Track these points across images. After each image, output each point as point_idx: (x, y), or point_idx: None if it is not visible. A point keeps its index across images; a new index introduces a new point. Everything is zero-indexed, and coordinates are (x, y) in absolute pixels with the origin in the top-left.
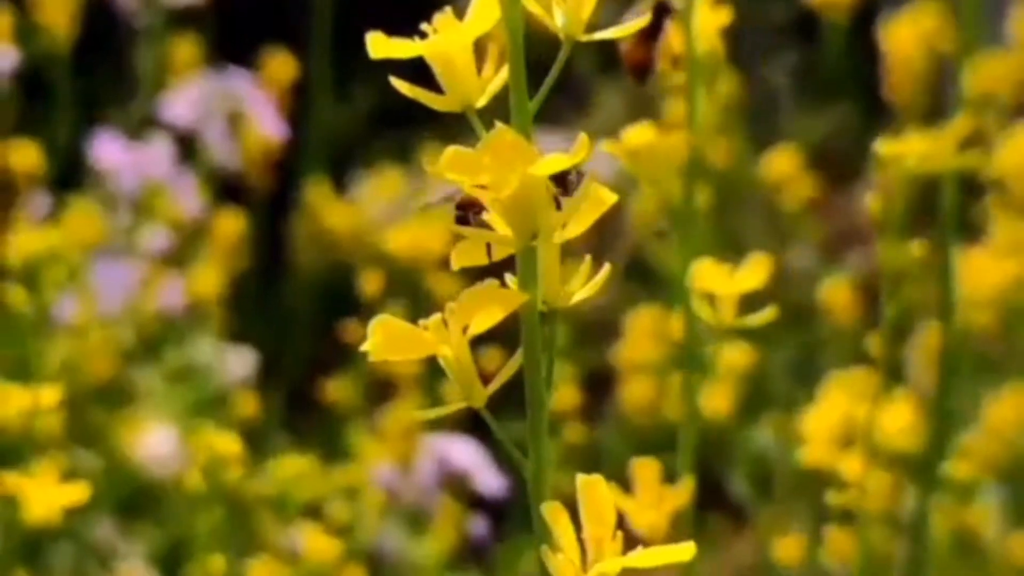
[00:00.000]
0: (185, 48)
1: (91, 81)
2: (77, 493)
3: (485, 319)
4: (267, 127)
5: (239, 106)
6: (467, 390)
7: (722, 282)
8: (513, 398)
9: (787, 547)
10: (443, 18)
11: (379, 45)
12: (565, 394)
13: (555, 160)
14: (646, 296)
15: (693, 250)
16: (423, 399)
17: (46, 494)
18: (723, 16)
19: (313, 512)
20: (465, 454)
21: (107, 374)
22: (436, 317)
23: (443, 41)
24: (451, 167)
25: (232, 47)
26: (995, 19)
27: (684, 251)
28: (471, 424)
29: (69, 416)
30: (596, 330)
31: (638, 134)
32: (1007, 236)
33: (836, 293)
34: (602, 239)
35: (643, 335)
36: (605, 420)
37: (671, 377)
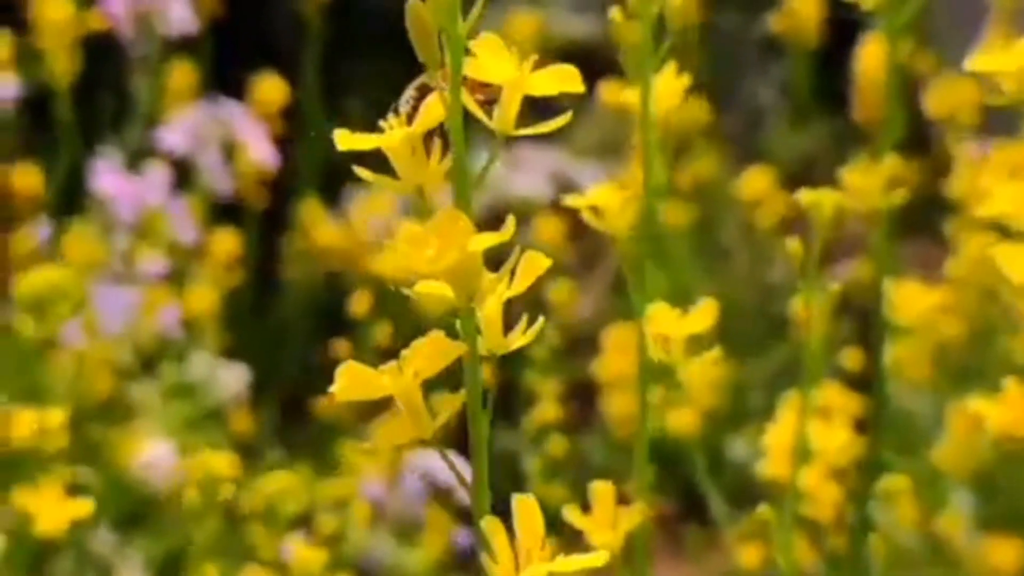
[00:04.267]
0: (181, 75)
1: (91, 108)
2: (81, 507)
3: (432, 366)
4: (259, 154)
5: (232, 134)
6: (417, 424)
7: (672, 325)
8: (506, 414)
9: (750, 554)
10: (394, 120)
11: (345, 140)
12: (548, 408)
13: (487, 237)
14: (629, 311)
15: (650, 295)
16: None
17: (53, 508)
18: (683, 82)
19: (304, 522)
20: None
21: (107, 392)
22: (392, 364)
23: (394, 137)
24: (404, 240)
25: (227, 71)
26: (970, 42)
27: (639, 295)
28: (461, 441)
29: (70, 432)
30: (583, 344)
31: (598, 193)
32: (969, 254)
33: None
34: (591, 255)
35: (621, 349)
36: (592, 431)
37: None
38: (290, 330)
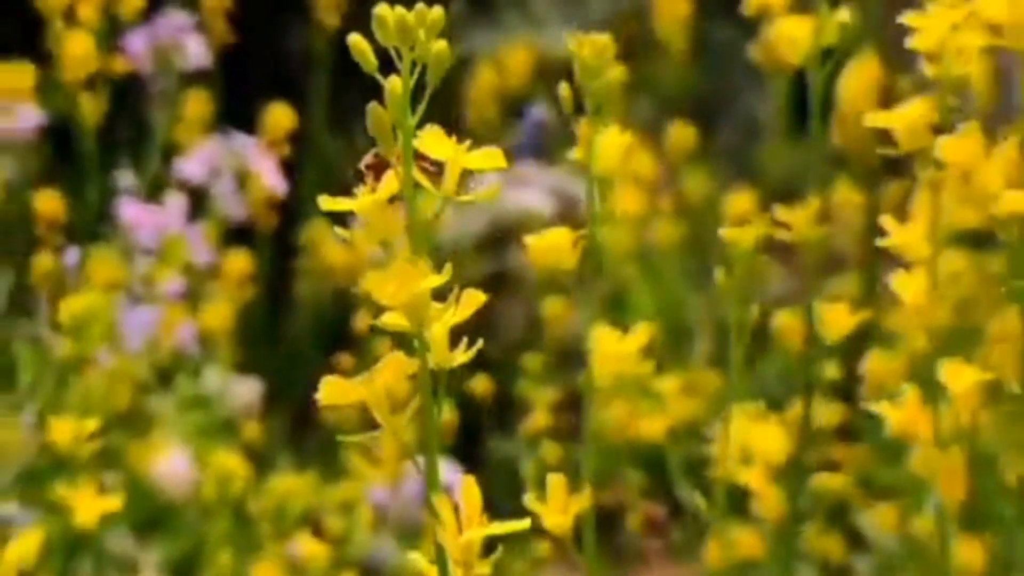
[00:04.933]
0: (196, 106)
1: (112, 138)
2: (111, 503)
3: (395, 377)
4: (270, 182)
5: (244, 164)
6: (388, 424)
7: (612, 344)
8: (503, 423)
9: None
10: (363, 190)
11: (328, 203)
12: (540, 416)
13: (433, 279)
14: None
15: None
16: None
17: (88, 504)
18: (627, 138)
19: (312, 524)
20: (447, 472)
21: (127, 403)
22: (366, 375)
23: (363, 203)
24: (370, 282)
25: (239, 100)
26: None
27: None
28: (461, 447)
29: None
30: (576, 355)
31: (552, 234)
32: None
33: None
34: (588, 270)
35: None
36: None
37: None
38: (299, 344)
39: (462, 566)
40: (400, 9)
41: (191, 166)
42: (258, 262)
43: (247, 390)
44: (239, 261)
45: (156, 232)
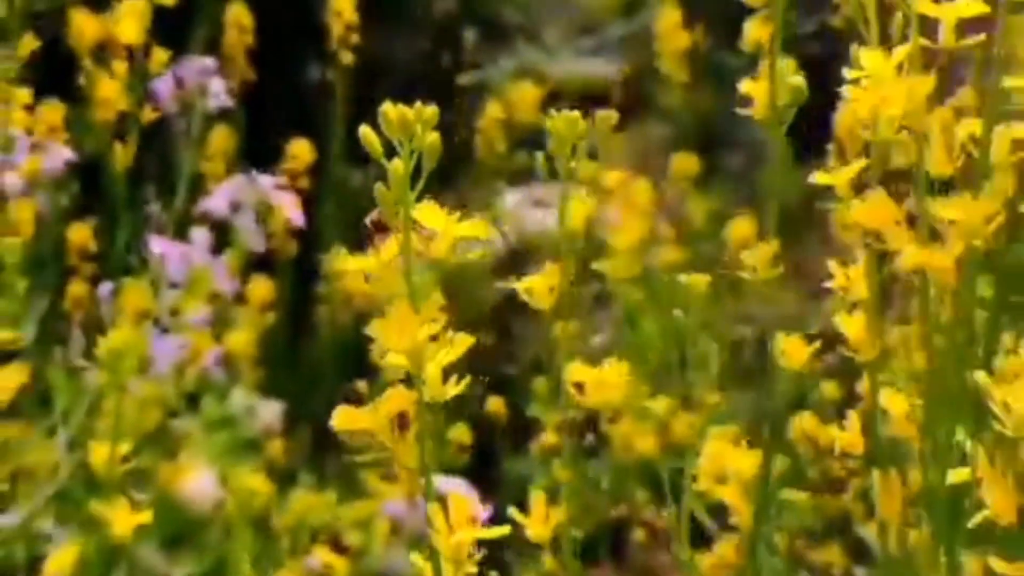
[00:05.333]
0: (220, 143)
1: (140, 175)
2: (143, 517)
3: (397, 408)
4: (289, 215)
5: (266, 199)
6: (394, 448)
7: (583, 373)
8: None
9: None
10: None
11: (346, 261)
12: (550, 436)
13: (431, 327)
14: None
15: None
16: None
17: (123, 518)
18: (589, 206)
19: (332, 539)
20: (456, 489)
21: (156, 426)
22: (372, 405)
23: (372, 263)
24: (375, 330)
25: (262, 134)
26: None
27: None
28: (474, 468)
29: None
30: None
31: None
32: None
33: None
34: (604, 292)
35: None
36: (599, 456)
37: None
38: (319, 367)
39: (452, 563)
40: (401, 106)
41: (214, 201)
42: (280, 289)
43: (270, 411)
44: (261, 289)
45: (183, 264)
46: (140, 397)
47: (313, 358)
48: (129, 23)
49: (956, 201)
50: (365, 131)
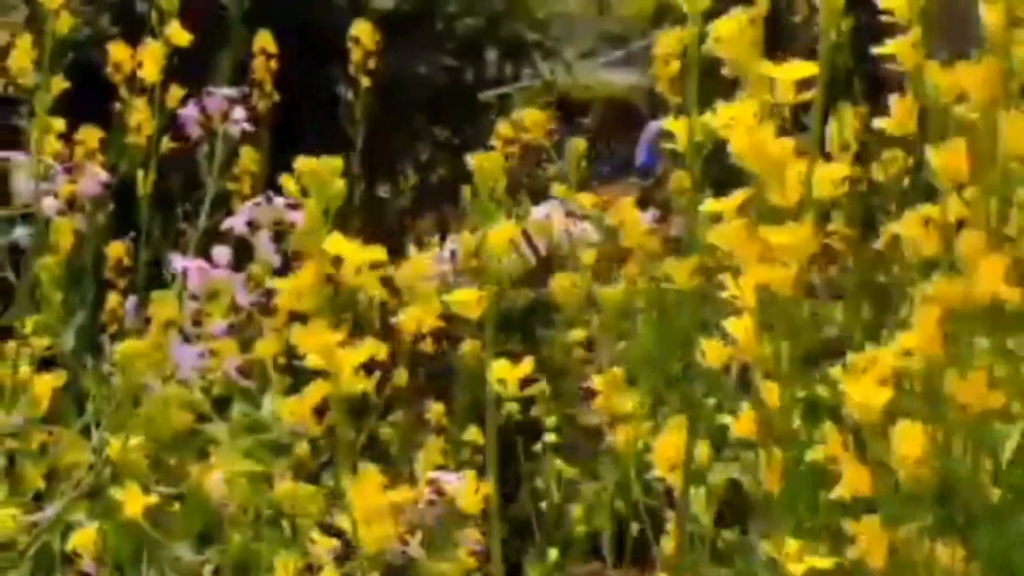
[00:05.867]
0: (247, 163)
1: (170, 196)
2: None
3: (315, 400)
4: None
5: (281, 218)
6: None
7: (506, 371)
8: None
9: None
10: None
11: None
12: (553, 437)
13: (339, 334)
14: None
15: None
16: (444, 443)
17: (135, 499)
18: (516, 230)
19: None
20: (455, 482)
21: (185, 428)
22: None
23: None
24: (296, 336)
25: (293, 151)
26: None
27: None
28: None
29: (155, 461)
30: None
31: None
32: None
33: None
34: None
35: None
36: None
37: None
38: None
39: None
40: (313, 160)
41: (234, 221)
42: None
43: None
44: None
45: (201, 279)
46: (164, 399)
47: None
48: (149, 64)
49: (783, 229)
50: (285, 179)
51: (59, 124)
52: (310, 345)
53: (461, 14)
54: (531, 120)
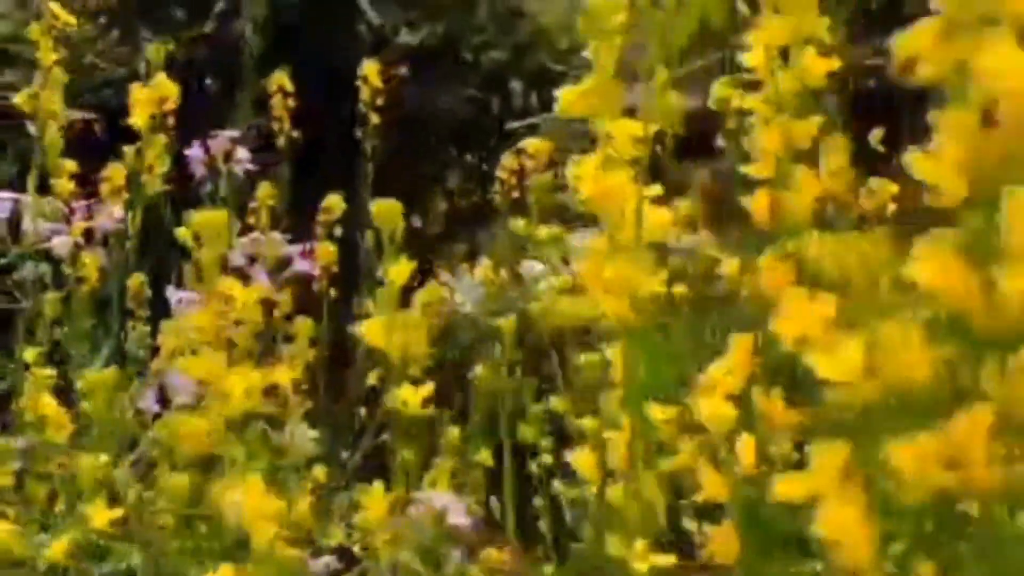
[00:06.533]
0: (262, 196)
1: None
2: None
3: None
4: (299, 266)
5: (277, 252)
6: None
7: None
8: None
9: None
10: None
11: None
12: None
13: (228, 361)
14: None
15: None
16: (455, 461)
17: (100, 514)
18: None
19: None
20: (444, 500)
21: (203, 451)
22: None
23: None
24: (187, 365)
25: (313, 186)
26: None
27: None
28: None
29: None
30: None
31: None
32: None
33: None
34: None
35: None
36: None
37: None
38: (358, 397)
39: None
40: (200, 213)
41: (233, 255)
42: (323, 327)
43: (312, 437)
44: (306, 328)
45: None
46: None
47: (351, 389)
48: (139, 113)
49: (617, 263)
50: (181, 230)
51: (71, 166)
52: (195, 371)
53: (486, 47)
54: (534, 149)
